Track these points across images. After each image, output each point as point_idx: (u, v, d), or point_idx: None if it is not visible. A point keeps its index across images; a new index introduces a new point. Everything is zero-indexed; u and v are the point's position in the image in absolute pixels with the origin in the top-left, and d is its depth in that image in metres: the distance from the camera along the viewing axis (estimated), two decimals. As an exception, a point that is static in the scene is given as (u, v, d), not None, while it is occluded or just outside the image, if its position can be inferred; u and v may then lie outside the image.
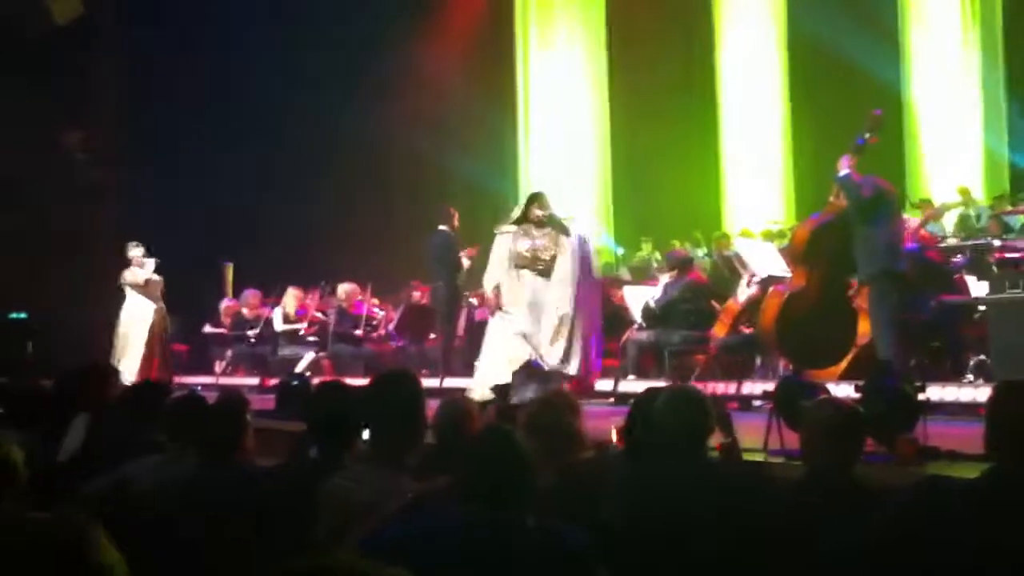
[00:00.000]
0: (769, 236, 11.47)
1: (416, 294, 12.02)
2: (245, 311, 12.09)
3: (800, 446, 3.58)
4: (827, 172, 7.69)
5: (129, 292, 10.98)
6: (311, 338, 11.74)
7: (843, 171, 7.21)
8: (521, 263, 7.84)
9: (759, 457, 4.90)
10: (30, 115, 13.66)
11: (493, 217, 11.25)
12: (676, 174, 15.40)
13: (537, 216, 7.90)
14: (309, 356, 11.37)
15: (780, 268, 8.71)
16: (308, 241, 14.50)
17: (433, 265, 10.63)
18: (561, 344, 7.64)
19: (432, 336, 11.37)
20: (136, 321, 10.88)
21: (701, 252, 12.78)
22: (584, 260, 7.88)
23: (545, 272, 7.78)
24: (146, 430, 4.34)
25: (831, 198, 7.72)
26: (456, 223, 10.54)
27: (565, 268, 7.77)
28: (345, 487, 3.27)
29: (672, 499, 3.34)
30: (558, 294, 7.74)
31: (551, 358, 7.60)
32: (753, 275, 9.04)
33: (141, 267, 10.96)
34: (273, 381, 9.90)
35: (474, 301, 11.43)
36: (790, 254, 8.33)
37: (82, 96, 14.38)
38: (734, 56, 15.01)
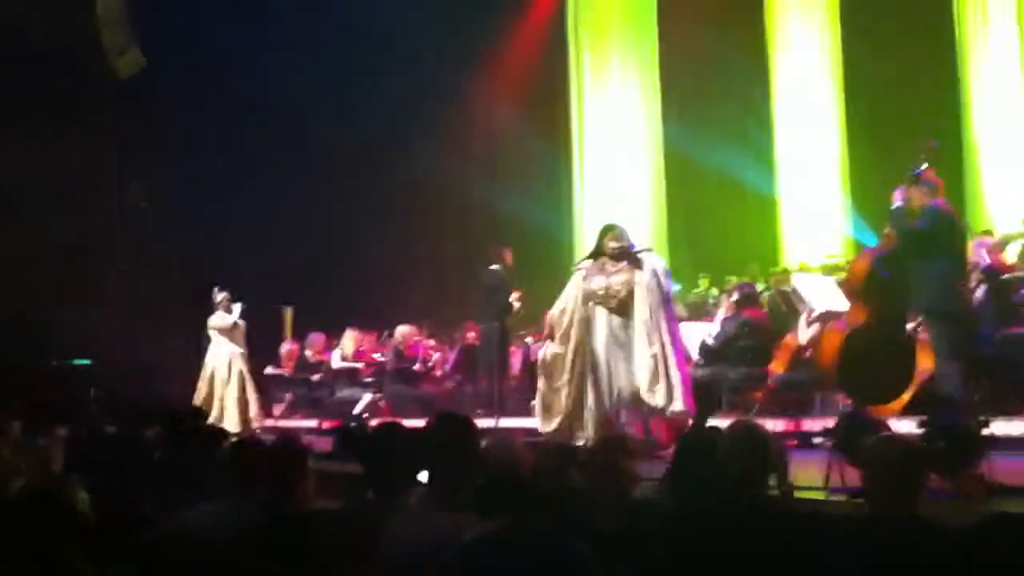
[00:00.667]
0: (828, 270, 11.33)
1: (471, 335, 12.06)
2: (309, 353, 12.24)
3: (862, 484, 3.52)
4: (885, 204, 7.60)
5: (215, 336, 11.14)
6: (368, 379, 11.82)
7: (896, 203, 7.13)
8: (595, 300, 7.53)
9: (820, 495, 4.83)
10: (96, 168, 14.02)
11: (548, 256, 11.33)
12: (732, 208, 15.33)
13: (612, 249, 7.58)
14: (367, 398, 11.45)
15: (839, 303, 8.60)
16: (365, 284, 14.63)
17: (484, 304, 10.63)
18: (662, 384, 7.27)
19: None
20: (222, 365, 11.01)
21: (760, 286, 12.67)
22: (664, 294, 7.54)
23: (620, 310, 7.46)
24: (205, 475, 4.41)
25: (887, 230, 7.62)
26: (510, 262, 10.58)
27: (643, 306, 7.40)
28: (405, 530, 3.29)
29: (729, 536, 3.30)
30: (643, 333, 7.37)
31: (656, 400, 7.25)
32: (812, 311, 8.95)
33: (228, 311, 11.11)
34: (330, 423, 9.98)
35: (529, 340, 11.45)
36: (848, 288, 8.22)
37: (145, 146, 14.71)
38: (790, 88, 14.90)
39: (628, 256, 7.57)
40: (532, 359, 11.51)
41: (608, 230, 7.75)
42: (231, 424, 10.45)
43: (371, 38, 15.07)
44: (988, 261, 8.00)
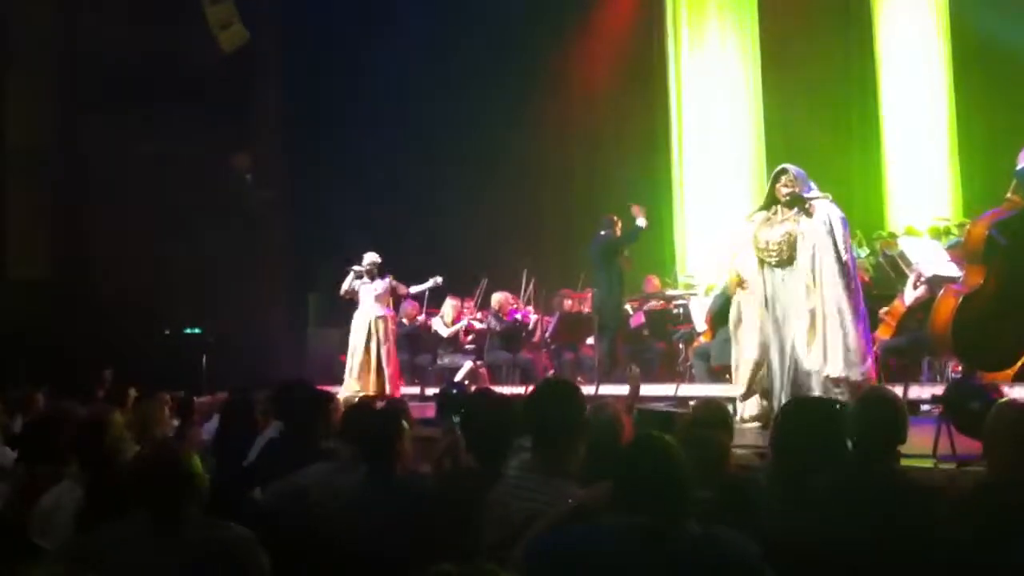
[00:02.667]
0: (936, 234, 11.01)
1: (568, 302, 12.07)
2: (405, 321, 12.38)
3: (983, 452, 3.43)
4: (998, 167, 7.34)
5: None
6: (468, 347, 11.93)
7: (1021, 164, 6.88)
8: (761, 255, 6.88)
9: (928, 464, 4.72)
10: (201, 140, 14.34)
11: (648, 231, 11.30)
12: (836, 172, 14.92)
13: (784, 195, 6.84)
14: (467, 365, 11.56)
15: (948, 267, 8.37)
16: (462, 252, 14.73)
17: (593, 271, 10.65)
18: (817, 346, 6.58)
19: (589, 342, 11.40)
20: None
21: (863, 252, 12.38)
22: (838, 246, 6.69)
23: (786, 262, 6.79)
24: (315, 437, 4.52)
25: (1008, 194, 7.36)
26: (619, 231, 10.60)
27: (806, 255, 6.68)
28: (509, 497, 3.31)
29: (850, 505, 3.24)
30: (802, 287, 6.70)
31: (810, 363, 6.60)
32: (920, 275, 8.72)
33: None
34: (432, 390, 10.11)
35: (629, 308, 11.43)
36: (966, 252, 7.96)
37: (249, 120, 15.01)
38: (894, 47, 14.44)
39: (798, 202, 6.80)
40: (630, 327, 11.55)
41: (781, 174, 6.95)
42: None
43: (469, 19, 15.12)
44: None
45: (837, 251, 6.67)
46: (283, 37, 15.33)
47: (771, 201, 6.98)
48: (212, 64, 14.47)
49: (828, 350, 6.56)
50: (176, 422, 6.50)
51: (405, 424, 4.03)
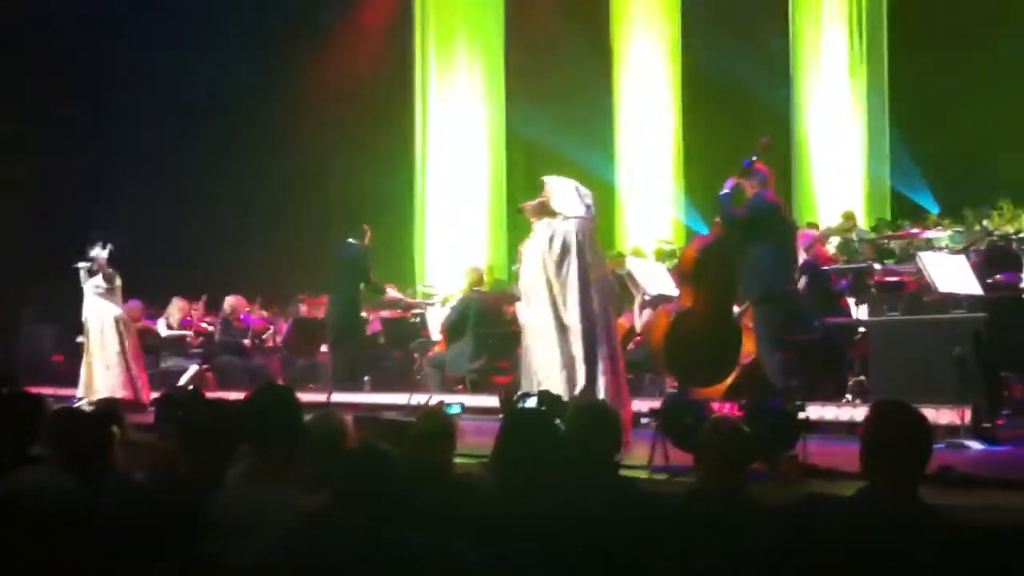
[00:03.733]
0: (661, 255, 11.62)
1: (304, 307, 11.85)
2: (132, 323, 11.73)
3: (694, 464, 3.60)
4: (716, 194, 7.81)
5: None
6: (195, 350, 11.47)
7: (724, 191, 7.32)
8: None
9: (643, 474, 4.92)
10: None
11: (389, 241, 11.30)
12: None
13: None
14: (192, 368, 11.10)
15: (670, 287, 8.82)
16: (193, 253, 14.23)
17: (337, 277, 10.37)
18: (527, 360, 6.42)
19: (323, 349, 11.23)
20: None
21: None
22: (543, 262, 6.37)
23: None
24: (24, 443, 4.19)
25: (717, 218, 7.84)
26: (368, 241, 10.34)
27: (524, 273, 6.55)
28: (225, 504, 3.20)
29: (567, 512, 3.31)
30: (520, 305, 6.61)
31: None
32: (645, 294, 9.14)
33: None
34: (155, 394, 9.62)
35: (365, 315, 11.34)
36: (678, 273, 8.44)
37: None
38: (630, 79, 15.29)
39: (535, 215, 6.60)
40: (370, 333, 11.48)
41: (540, 184, 6.74)
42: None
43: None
44: (807, 255, 8.32)
45: (545, 270, 6.34)
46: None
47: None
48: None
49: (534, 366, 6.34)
50: None
51: (116, 429, 3.80)
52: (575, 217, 6.48)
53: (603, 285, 6.48)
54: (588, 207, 6.58)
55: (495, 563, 2.82)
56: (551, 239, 6.38)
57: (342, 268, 10.30)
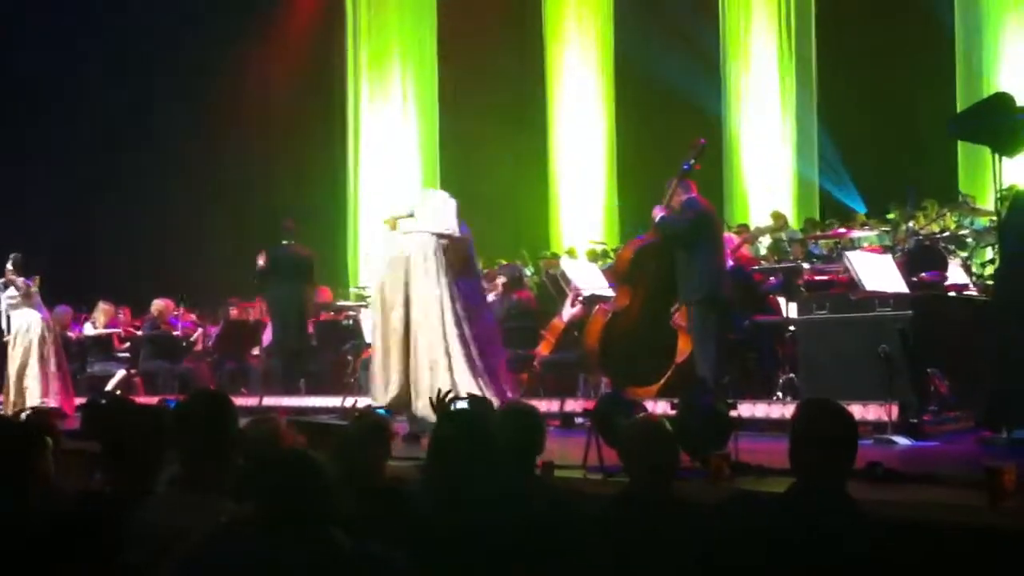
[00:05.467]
0: (593, 256, 11.68)
1: (234, 310, 11.69)
2: (57, 328, 11.46)
3: (620, 462, 3.62)
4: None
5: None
6: (122, 355, 11.25)
7: (661, 214, 7.50)
8: None
9: (578, 474, 4.94)
10: None
11: (321, 234, 11.17)
12: (508, 196, 15.58)
13: None
14: (120, 373, 10.89)
15: (603, 287, 8.88)
16: (118, 258, 14.01)
17: (283, 278, 10.19)
18: None
19: (254, 352, 11.10)
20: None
21: (528, 271, 12.92)
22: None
23: None
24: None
25: (655, 220, 7.93)
26: (290, 231, 10.23)
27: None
28: (154, 513, 3.13)
29: (496, 513, 3.31)
30: None
31: None
32: (578, 294, 9.19)
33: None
34: (80, 400, 9.44)
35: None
36: (614, 274, 8.51)
37: None
38: (563, 83, 15.38)
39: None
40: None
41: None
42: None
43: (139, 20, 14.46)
44: (731, 259, 8.44)
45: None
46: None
47: None
48: None
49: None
50: None
51: (48, 440, 3.70)
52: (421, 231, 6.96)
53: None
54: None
55: (422, 567, 2.81)
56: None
57: (282, 270, 10.16)
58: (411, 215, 7.05)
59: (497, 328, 7.44)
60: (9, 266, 10.03)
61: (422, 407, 6.48)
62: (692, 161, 7.57)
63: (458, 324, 6.81)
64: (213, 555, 2.67)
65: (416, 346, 6.75)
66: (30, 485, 3.59)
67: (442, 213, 6.98)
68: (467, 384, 6.66)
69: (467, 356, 6.79)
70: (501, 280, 9.66)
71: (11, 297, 9.95)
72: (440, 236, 6.87)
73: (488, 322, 7.17)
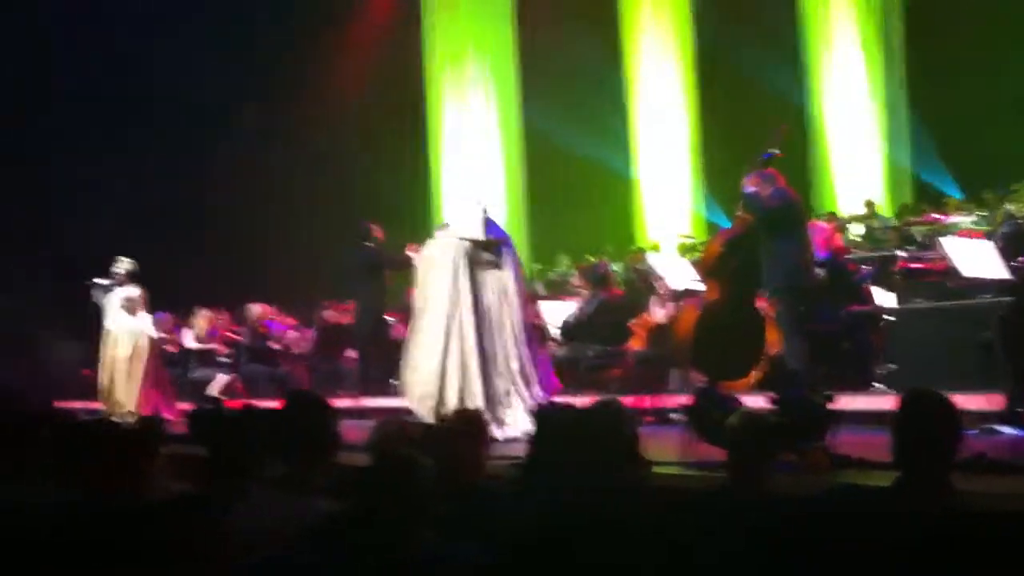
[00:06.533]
0: (683, 250, 11.61)
1: (327, 313, 11.88)
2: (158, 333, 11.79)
3: (726, 458, 3.60)
4: (735, 186, 7.81)
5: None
6: (223, 360, 11.51)
7: (748, 188, 7.37)
8: None
9: (674, 470, 4.92)
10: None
11: (407, 234, 11.22)
12: (591, 190, 15.57)
13: None
14: (222, 378, 11.14)
15: (693, 282, 8.81)
16: (216, 263, 14.30)
17: (359, 281, 10.37)
18: None
19: (349, 354, 11.25)
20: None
21: (615, 267, 12.89)
22: None
23: None
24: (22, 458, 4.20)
25: (738, 212, 7.84)
26: (381, 238, 10.34)
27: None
28: (251, 514, 3.19)
29: (590, 512, 3.32)
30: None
31: None
32: (667, 289, 9.13)
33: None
34: (184, 405, 9.69)
35: (390, 320, 11.34)
36: (702, 268, 8.43)
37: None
38: (643, 74, 15.26)
39: None
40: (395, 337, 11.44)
41: None
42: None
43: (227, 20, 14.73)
44: (824, 248, 8.30)
45: None
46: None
47: None
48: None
49: None
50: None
51: (159, 444, 3.82)
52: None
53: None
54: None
55: (516, 568, 2.83)
56: None
57: (362, 273, 10.29)
58: (447, 225, 7.38)
59: (533, 329, 7.50)
60: (122, 269, 10.20)
61: (450, 407, 6.60)
62: (773, 149, 7.45)
63: (480, 326, 6.96)
64: (303, 555, 2.72)
65: (448, 347, 6.92)
66: (140, 488, 3.71)
67: (469, 220, 7.23)
68: (501, 386, 6.86)
69: (496, 358, 6.95)
70: (583, 280, 9.70)
71: (124, 299, 10.10)
72: (468, 241, 7.09)
73: (521, 323, 7.22)
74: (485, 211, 7.31)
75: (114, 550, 3.30)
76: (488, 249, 7.16)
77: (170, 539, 3.34)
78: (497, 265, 7.14)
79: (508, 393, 6.82)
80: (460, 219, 7.30)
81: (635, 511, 3.38)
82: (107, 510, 3.51)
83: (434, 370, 6.88)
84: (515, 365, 6.95)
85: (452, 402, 6.68)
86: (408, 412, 7.10)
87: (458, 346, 6.88)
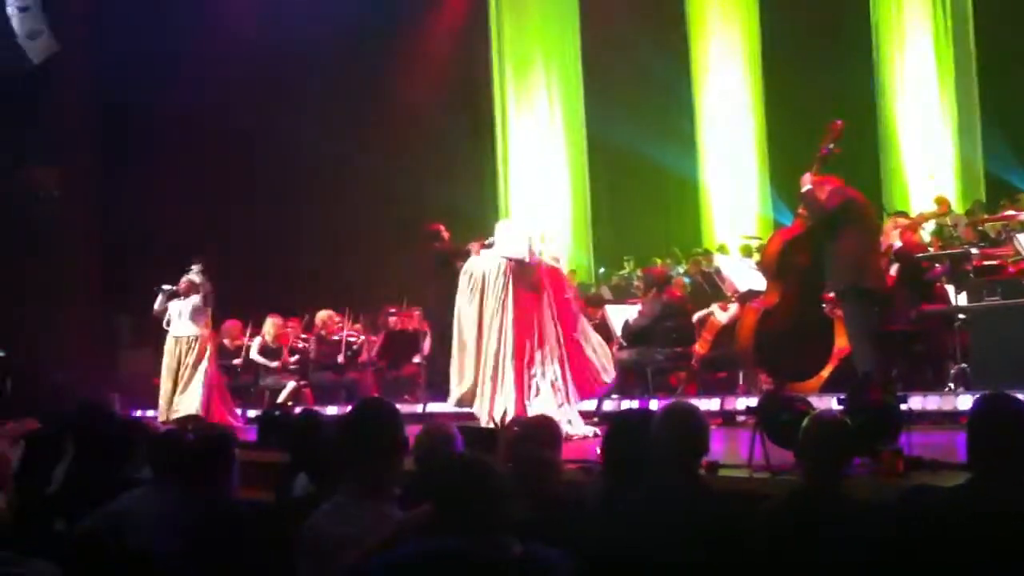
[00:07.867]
0: (747, 252, 11.49)
1: (393, 319, 11.96)
2: (226, 342, 11.99)
3: (796, 461, 3.57)
4: (799, 189, 7.71)
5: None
6: (292, 367, 11.66)
7: (805, 187, 7.28)
8: None
9: (743, 473, 4.88)
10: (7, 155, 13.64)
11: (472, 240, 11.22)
12: (656, 192, 15.50)
13: None
14: (290, 386, 11.29)
15: (759, 282, 8.73)
16: (281, 271, 14.49)
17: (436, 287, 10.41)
18: None
19: (415, 361, 11.32)
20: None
21: (680, 269, 12.81)
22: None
23: None
24: (124, 467, 4.32)
25: (799, 211, 7.75)
26: (447, 237, 10.41)
27: None
28: (328, 521, 3.21)
29: (664, 516, 3.31)
30: None
31: None
32: (735, 290, 9.06)
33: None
34: (254, 412, 9.82)
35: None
36: (763, 269, 8.34)
37: (57, 134, 14.33)
38: (710, 77, 15.15)
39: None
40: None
41: None
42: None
43: (290, 31, 14.89)
44: (900, 243, 8.16)
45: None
46: (91, 46, 14.66)
47: None
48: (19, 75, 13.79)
49: None
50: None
51: (235, 452, 3.91)
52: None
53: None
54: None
55: (592, 569, 2.82)
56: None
57: (436, 273, 10.31)
58: (492, 243, 7.72)
59: (577, 344, 7.64)
60: (197, 277, 10.28)
61: (478, 408, 7.29)
62: (830, 146, 7.34)
63: (515, 339, 7.38)
64: (386, 560, 2.74)
65: (486, 354, 7.38)
66: (218, 494, 3.80)
67: (513, 240, 7.63)
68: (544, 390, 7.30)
69: (525, 366, 7.36)
70: (646, 283, 9.71)
71: (195, 307, 10.25)
72: (510, 260, 7.50)
73: (560, 335, 7.55)
74: (531, 236, 7.71)
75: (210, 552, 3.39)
76: (529, 268, 7.52)
77: (252, 542, 3.42)
78: (535, 287, 7.52)
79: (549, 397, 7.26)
80: (506, 238, 7.67)
81: (715, 515, 3.36)
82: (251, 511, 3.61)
83: (477, 379, 7.36)
84: (551, 371, 7.37)
85: (499, 409, 7.19)
86: (463, 417, 7.32)
87: (496, 351, 7.34)
